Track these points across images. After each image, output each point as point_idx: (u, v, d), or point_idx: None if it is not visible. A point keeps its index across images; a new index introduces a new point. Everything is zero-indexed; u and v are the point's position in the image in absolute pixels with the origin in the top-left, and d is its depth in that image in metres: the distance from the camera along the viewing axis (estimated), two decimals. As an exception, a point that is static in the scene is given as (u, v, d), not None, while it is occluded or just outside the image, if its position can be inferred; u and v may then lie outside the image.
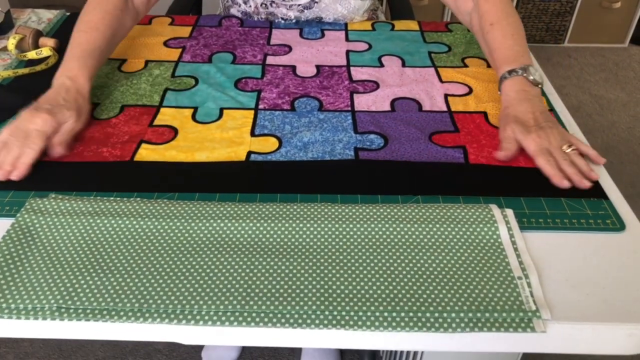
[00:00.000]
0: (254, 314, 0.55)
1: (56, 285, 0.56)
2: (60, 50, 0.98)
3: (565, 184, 0.70)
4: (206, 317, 0.55)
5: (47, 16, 1.09)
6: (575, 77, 2.48)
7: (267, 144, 0.77)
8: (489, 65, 0.96)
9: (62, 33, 1.05)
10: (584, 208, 0.68)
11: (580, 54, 2.66)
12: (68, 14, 1.13)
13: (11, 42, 0.94)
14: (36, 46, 0.97)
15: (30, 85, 0.89)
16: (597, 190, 0.70)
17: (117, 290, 0.56)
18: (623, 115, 2.26)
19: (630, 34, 2.69)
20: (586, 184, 0.70)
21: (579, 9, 2.59)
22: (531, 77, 0.80)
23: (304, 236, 0.63)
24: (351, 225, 0.64)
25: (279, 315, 0.55)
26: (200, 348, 1.39)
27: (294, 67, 0.95)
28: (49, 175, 0.71)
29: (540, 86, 0.81)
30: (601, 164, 0.74)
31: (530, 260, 0.61)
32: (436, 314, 0.55)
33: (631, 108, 2.30)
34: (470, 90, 0.90)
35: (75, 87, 0.79)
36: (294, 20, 1.10)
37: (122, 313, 0.55)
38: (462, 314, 0.55)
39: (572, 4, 2.57)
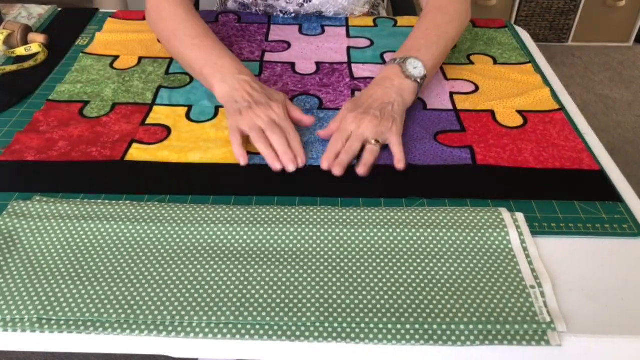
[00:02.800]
0: (249, 326, 0.51)
1: (37, 295, 0.53)
2: (51, 46, 0.95)
3: (324, 165, 0.68)
4: (198, 329, 0.51)
5: (37, 11, 1.05)
6: (580, 77, 2.44)
7: (265, 144, 0.74)
8: (495, 63, 0.93)
9: (52, 29, 1.02)
10: (598, 212, 0.64)
11: (584, 53, 2.62)
12: (60, 9, 1.09)
13: (-1, 37, 0.91)
14: (25, 42, 0.93)
15: (18, 83, 0.85)
16: (611, 193, 0.66)
17: (103, 300, 0.53)
18: (628, 115, 2.22)
19: (635, 32, 2.65)
20: (336, 171, 0.67)
21: (583, 7, 2.56)
22: (406, 70, 0.77)
23: (303, 242, 0.59)
24: (352, 231, 0.60)
25: (276, 327, 0.51)
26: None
27: (293, 64, 0.92)
28: (33, 176, 0.68)
29: (414, 80, 0.77)
30: (399, 168, 0.69)
31: (544, 268, 0.57)
32: (444, 326, 0.51)
33: (637, 108, 2.26)
34: (477, 88, 0.86)
35: (252, 77, 0.77)
36: (292, 15, 1.06)
37: (107, 325, 0.51)
38: (471, 326, 0.51)
39: (576, 2, 2.53)
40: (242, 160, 0.69)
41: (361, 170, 0.68)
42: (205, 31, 0.82)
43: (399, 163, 0.69)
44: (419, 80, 0.78)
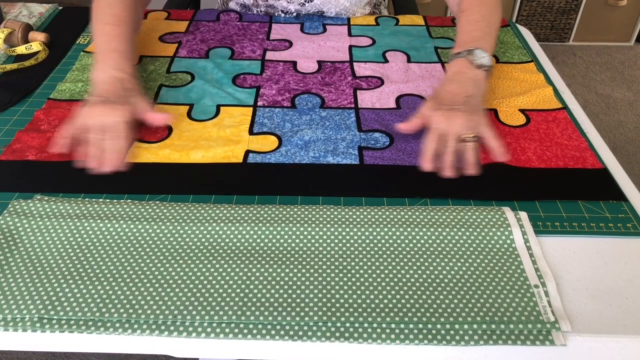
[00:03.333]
0: (250, 325, 0.51)
1: (38, 294, 0.52)
2: (51, 45, 0.94)
3: (426, 167, 0.68)
4: (199, 329, 0.51)
5: (38, 10, 1.05)
6: (581, 76, 2.44)
7: (267, 143, 0.73)
8: (498, 61, 0.92)
9: (53, 27, 1.01)
10: (602, 211, 0.64)
11: (585, 53, 2.62)
12: (60, 7, 1.09)
13: (-1, 36, 0.90)
14: (26, 41, 0.93)
15: (19, 82, 0.85)
16: (615, 192, 0.66)
17: (104, 299, 0.52)
18: (630, 114, 2.22)
19: (636, 32, 2.65)
20: (449, 173, 0.68)
21: (584, 6, 2.55)
22: (475, 61, 0.77)
23: (305, 241, 0.59)
24: (355, 230, 0.60)
25: (278, 327, 0.51)
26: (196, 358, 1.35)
27: (294, 63, 0.91)
28: (34, 175, 0.68)
29: (484, 69, 0.77)
30: (504, 160, 0.70)
31: (547, 267, 0.57)
32: (447, 326, 0.51)
33: (638, 107, 2.26)
34: (479, 87, 0.85)
35: (129, 79, 0.76)
36: (294, 14, 1.06)
37: (109, 324, 0.51)
38: (474, 326, 0.51)
39: (577, 1, 2.53)
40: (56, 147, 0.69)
41: (474, 170, 0.68)
42: (121, 21, 0.82)
43: (502, 156, 0.70)
44: (488, 68, 0.78)
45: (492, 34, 0.84)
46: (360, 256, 0.58)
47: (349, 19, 1.06)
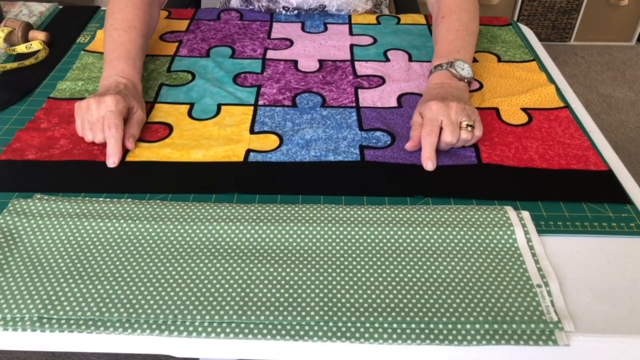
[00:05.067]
0: (251, 325, 0.51)
1: (38, 293, 0.52)
2: (51, 44, 0.94)
3: (429, 165, 0.69)
4: (200, 328, 0.50)
5: (38, 9, 1.05)
6: (582, 76, 2.43)
7: (267, 142, 0.73)
8: (499, 60, 0.92)
9: (53, 26, 1.01)
10: (605, 211, 0.63)
11: (586, 52, 2.61)
12: (60, 7, 1.08)
13: (-1, 35, 0.90)
14: (26, 40, 0.93)
15: (19, 81, 0.85)
16: (620, 195, 0.65)
17: (104, 298, 0.52)
18: (631, 114, 2.21)
19: (638, 32, 2.64)
20: (428, 165, 0.68)
21: (585, 6, 2.55)
22: (455, 72, 0.77)
23: (306, 240, 0.59)
24: (357, 229, 0.60)
25: (279, 327, 0.51)
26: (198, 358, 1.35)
27: (295, 62, 0.91)
28: (34, 174, 0.67)
29: (466, 81, 0.78)
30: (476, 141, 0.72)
31: (550, 267, 0.56)
32: (449, 326, 0.51)
33: (639, 107, 2.25)
34: (481, 86, 0.85)
35: (132, 85, 0.76)
36: (295, 7, 1.05)
37: (108, 324, 0.51)
38: (477, 325, 0.51)
39: (579, 1, 2.52)
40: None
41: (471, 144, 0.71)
42: (129, 27, 0.82)
43: (476, 140, 0.72)
44: (469, 80, 0.78)
45: (473, 43, 0.84)
46: (362, 255, 0.57)
47: (350, 18, 1.05)
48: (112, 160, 0.68)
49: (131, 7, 0.84)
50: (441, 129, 0.69)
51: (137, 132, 0.72)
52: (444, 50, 0.82)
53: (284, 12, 1.06)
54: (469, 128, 0.70)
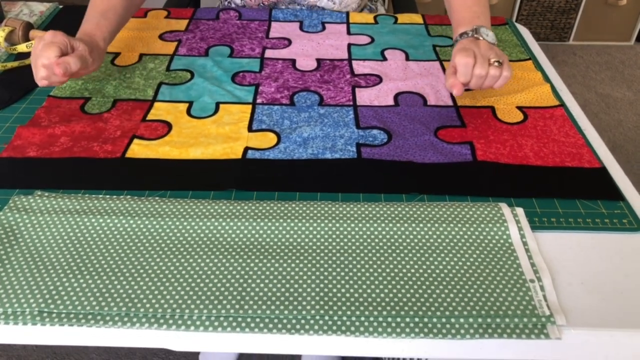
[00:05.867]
0: (249, 319, 0.52)
1: (38, 288, 0.53)
2: (52, 43, 0.95)
3: (457, 89, 0.71)
4: (198, 322, 0.51)
5: (39, 8, 1.06)
6: (581, 76, 2.44)
7: (265, 140, 0.74)
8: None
9: (54, 26, 1.02)
10: (598, 207, 0.64)
11: (585, 52, 2.62)
12: (61, 6, 1.09)
13: (0, 34, 0.91)
14: (26, 39, 0.94)
15: (19, 79, 0.85)
16: (613, 192, 0.66)
17: (104, 293, 0.53)
18: (630, 114, 2.22)
19: (637, 32, 2.65)
20: (454, 90, 0.71)
21: (584, 6, 2.55)
22: (481, 38, 0.77)
23: (303, 236, 0.60)
24: (353, 225, 0.61)
25: (276, 321, 0.51)
26: (197, 352, 1.35)
27: (293, 61, 0.92)
28: (35, 171, 0.68)
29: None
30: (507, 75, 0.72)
31: (543, 262, 0.57)
32: (443, 319, 0.52)
33: (638, 107, 2.26)
34: (477, 85, 0.86)
35: (90, 40, 0.77)
36: (289, 1, 1.06)
37: (108, 318, 0.51)
38: (470, 319, 0.52)
39: (577, 1, 2.53)
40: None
41: (499, 84, 0.73)
42: (108, 8, 0.84)
43: (505, 81, 0.73)
44: (494, 44, 0.78)
45: (488, 8, 0.85)
46: (358, 251, 0.58)
47: (348, 18, 1.06)
48: (39, 78, 0.70)
49: None
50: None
51: (73, 62, 0.71)
52: (464, 18, 0.81)
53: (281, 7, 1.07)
54: (497, 64, 0.71)
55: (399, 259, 0.57)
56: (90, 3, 0.84)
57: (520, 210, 0.63)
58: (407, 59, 0.93)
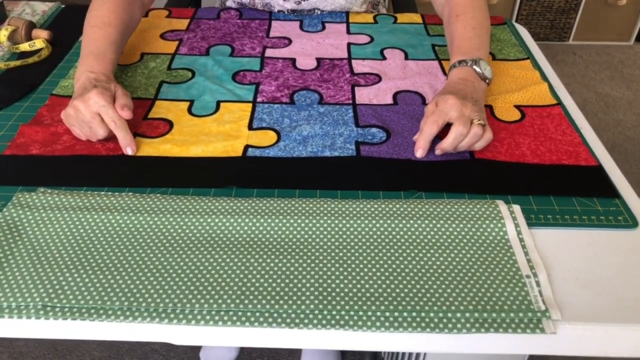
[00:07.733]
0: (249, 314, 0.52)
1: (42, 283, 0.54)
2: (54, 42, 0.96)
3: (421, 151, 0.71)
4: (199, 317, 0.52)
5: (41, 8, 1.07)
6: (580, 75, 2.45)
7: (265, 138, 0.75)
8: (494, 58, 0.94)
9: (56, 25, 1.03)
10: (594, 204, 0.65)
11: (585, 52, 2.63)
12: (63, 6, 1.10)
13: (3, 33, 0.92)
14: (29, 38, 0.95)
15: (22, 78, 0.86)
16: (609, 190, 0.67)
17: (106, 288, 0.54)
18: (629, 113, 2.23)
19: (636, 31, 2.65)
20: (418, 153, 0.71)
21: (583, 6, 2.56)
22: (479, 70, 0.78)
23: (302, 232, 0.60)
24: (351, 222, 0.62)
25: (276, 315, 0.52)
26: (198, 348, 1.36)
27: (293, 60, 0.93)
28: (38, 169, 0.69)
29: (487, 82, 0.79)
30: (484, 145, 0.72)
31: (539, 258, 0.58)
32: (440, 314, 0.52)
33: (637, 106, 2.27)
34: (475, 84, 0.87)
35: (104, 76, 0.77)
36: (290, 10, 1.07)
37: (110, 312, 0.52)
38: (467, 314, 0.52)
39: (577, 1, 2.54)
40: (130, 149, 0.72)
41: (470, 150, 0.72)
42: (105, 23, 0.83)
43: (486, 142, 0.72)
44: (489, 82, 0.79)
45: (488, 42, 0.86)
46: (356, 247, 0.59)
47: (347, 17, 1.07)
48: (129, 150, 0.71)
49: (108, 4, 0.85)
50: (451, 124, 0.70)
51: (128, 101, 0.73)
52: (464, 47, 0.82)
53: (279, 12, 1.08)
54: (480, 123, 0.70)
55: (397, 255, 0.58)
56: (87, 34, 0.83)
57: (517, 207, 0.64)
58: (406, 58, 0.94)
